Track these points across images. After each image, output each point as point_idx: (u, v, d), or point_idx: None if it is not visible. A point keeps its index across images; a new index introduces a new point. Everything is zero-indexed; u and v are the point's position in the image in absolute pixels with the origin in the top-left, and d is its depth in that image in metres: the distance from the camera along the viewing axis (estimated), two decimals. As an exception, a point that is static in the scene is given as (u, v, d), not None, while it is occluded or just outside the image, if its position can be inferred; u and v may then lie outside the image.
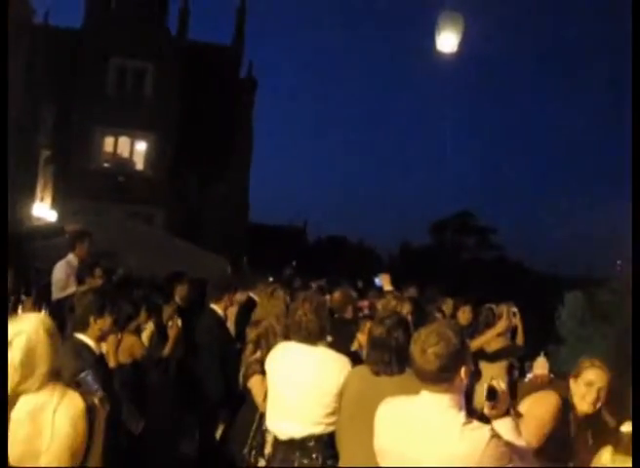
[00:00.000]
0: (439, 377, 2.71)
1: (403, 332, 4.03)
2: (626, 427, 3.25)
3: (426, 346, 2.72)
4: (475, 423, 2.70)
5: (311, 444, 4.23)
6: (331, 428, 4.24)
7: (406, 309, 6.27)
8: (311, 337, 4.41)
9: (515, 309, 7.21)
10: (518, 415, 3.36)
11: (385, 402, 3.06)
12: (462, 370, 2.75)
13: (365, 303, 7.87)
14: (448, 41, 7.59)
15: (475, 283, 33.87)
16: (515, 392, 6.14)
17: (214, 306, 6.91)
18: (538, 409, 3.67)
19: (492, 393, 2.82)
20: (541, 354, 6.96)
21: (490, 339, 6.82)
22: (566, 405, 3.71)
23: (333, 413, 4.22)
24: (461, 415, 2.72)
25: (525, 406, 3.72)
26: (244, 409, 5.27)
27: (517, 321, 7.33)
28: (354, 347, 5.61)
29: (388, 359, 3.96)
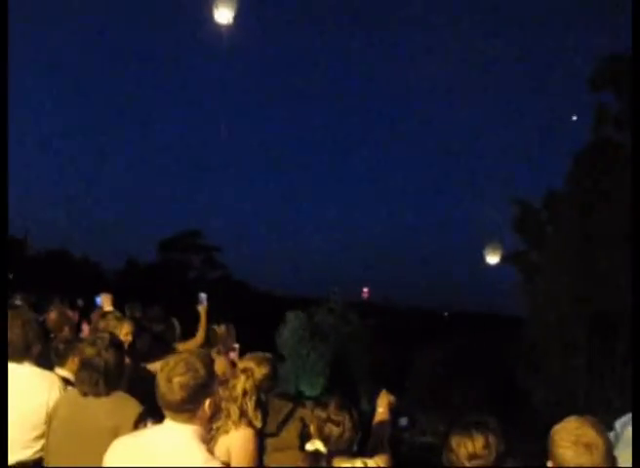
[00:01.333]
0: (182, 408, 2.67)
1: (114, 354, 4.00)
2: (310, 445, 3.43)
3: (172, 375, 2.66)
4: (216, 462, 2.70)
5: None
6: (41, 453, 4.00)
7: (125, 330, 6.09)
8: (16, 355, 4.19)
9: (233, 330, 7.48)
10: None
11: (119, 439, 2.92)
12: (207, 403, 2.71)
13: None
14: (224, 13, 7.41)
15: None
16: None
17: None
18: (249, 446, 3.84)
19: None
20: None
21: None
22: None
23: (42, 436, 3.98)
24: (204, 450, 2.67)
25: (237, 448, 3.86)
26: None
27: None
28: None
29: (96, 380, 3.89)
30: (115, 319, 6.47)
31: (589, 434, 2.45)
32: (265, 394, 4.16)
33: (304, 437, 6.67)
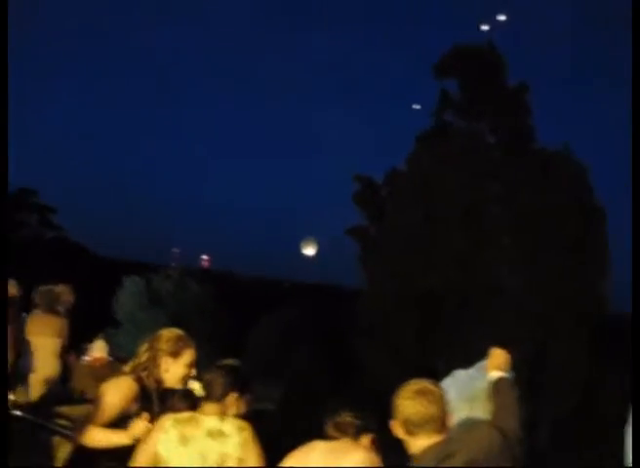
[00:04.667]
0: None
1: None
2: (190, 385, 3.53)
3: None
4: None
5: None
6: None
7: None
8: None
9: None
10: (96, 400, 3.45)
11: None
12: None
13: None
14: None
15: (36, 262, 32.56)
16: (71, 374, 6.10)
17: None
18: (114, 393, 3.64)
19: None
20: (100, 336, 6.93)
21: None
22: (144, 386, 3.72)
23: None
24: None
25: (103, 389, 3.67)
26: None
27: None
28: None
29: None
30: None
31: (425, 385, 2.73)
32: None
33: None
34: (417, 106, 22.66)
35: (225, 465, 3.13)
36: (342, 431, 3.32)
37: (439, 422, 2.73)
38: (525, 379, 15.80)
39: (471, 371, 3.50)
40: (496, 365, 3.30)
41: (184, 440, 3.16)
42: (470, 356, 3.48)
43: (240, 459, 3.15)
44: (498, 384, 3.21)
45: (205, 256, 44.06)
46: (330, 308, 20.50)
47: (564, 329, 16.26)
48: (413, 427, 2.72)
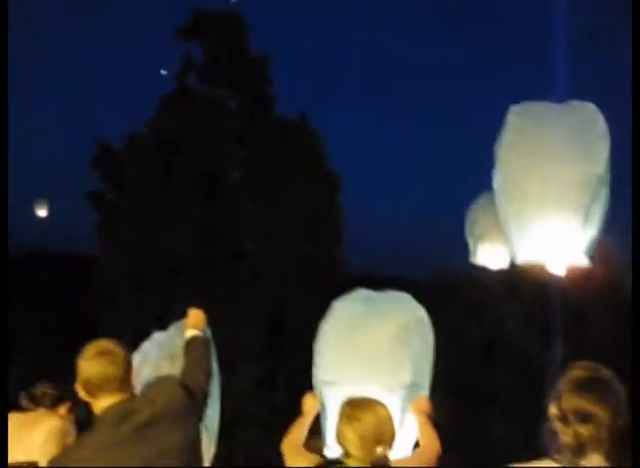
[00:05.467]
0: None
1: None
2: None
3: None
4: None
5: None
6: None
7: None
8: None
9: None
10: None
11: None
12: None
13: None
14: None
15: None
16: None
17: None
18: None
19: None
20: None
21: None
22: None
23: None
24: None
25: None
26: None
27: None
28: None
29: None
30: None
31: (106, 345, 2.80)
32: None
33: None
34: (163, 72, 22.07)
35: None
36: (37, 402, 3.34)
37: (120, 381, 2.77)
38: (264, 340, 16.45)
39: (171, 331, 3.58)
40: (192, 324, 3.41)
41: None
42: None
43: None
44: (190, 342, 3.31)
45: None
46: (68, 277, 19.71)
47: (301, 291, 17.00)
48: (93, 388, 2.75)
